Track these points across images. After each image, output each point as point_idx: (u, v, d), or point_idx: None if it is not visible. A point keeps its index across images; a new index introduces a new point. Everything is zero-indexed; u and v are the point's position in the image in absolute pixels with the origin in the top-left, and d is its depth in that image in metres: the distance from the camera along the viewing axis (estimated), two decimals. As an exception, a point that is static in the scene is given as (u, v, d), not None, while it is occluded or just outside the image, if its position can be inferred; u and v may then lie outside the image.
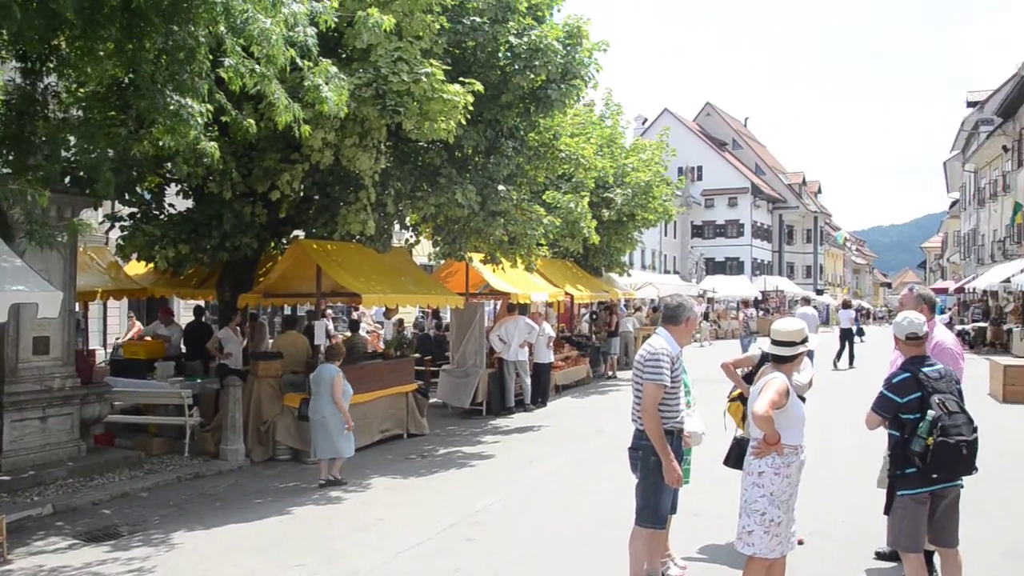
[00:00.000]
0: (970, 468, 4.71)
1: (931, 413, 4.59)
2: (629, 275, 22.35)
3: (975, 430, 4.70)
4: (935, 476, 4.65)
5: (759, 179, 69.97)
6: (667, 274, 47.84)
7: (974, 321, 31.22)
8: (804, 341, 4.83)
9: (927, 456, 4.57)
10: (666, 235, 55.39)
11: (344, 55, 8.91)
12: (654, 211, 19.51)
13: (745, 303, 27.91)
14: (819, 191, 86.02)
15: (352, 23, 7.86)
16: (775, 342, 4.88)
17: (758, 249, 67.78)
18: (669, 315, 5.15)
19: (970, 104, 47.55)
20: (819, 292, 68.79)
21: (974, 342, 28.00)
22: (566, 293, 17.05)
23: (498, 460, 10.31)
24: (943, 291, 46.82)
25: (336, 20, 7.47)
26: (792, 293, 49.42)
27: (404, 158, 11.00)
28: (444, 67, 8.87)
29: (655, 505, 5.03)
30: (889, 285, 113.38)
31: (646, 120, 64.44)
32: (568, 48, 11.16)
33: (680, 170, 53.34)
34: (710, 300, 41.10)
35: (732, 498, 7.20)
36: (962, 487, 4.87)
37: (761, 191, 68.11)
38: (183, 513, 7.86)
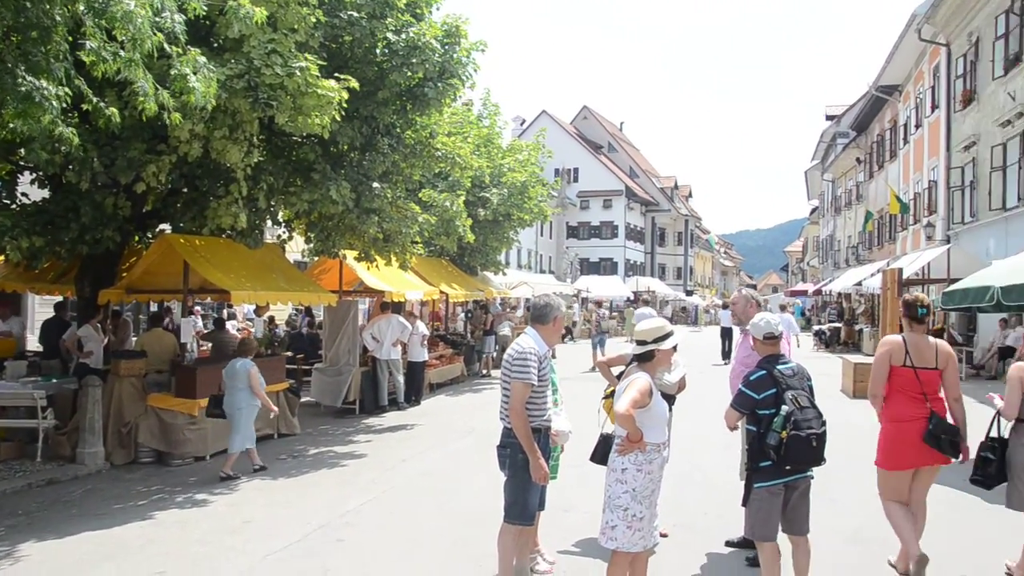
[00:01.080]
0: (819, 459, 5.02)
1: (785, 408, 4.87)
2: (504, 274, 22.55)
3: (824, 423, 5.03)
4: (788, 468, 4.92)
5: (633, 182, 71.81)
6: (543, 274, 48.54)
7: (830, 321, 32.97)
8: (658, 340, 4.94)
9: (781, 449, 4.83)
10: (542, 235, 56.12)
11: (216, 44, 8.63)
12: (529, 211, 19.76)
13: (597, 303, 28.49)
14: (690, 195, 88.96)
15: (224, 12, 7.62)
16: (637, 342, 5.02)
17: (631, 250, 69.55)
18: (537, 315, 5.23)
19: (828, 118, 50.22)
20: (689, 293, 71.27)
21: (829, 341, 29.58)
22: (441, 292, 17.04)
23: (371, 459, 10.22)
24: (803, 293, 49.30)
25: (206, 8, 7.23)
26: (663, 294, 50.93)
27: (278, 152, 10.76)
28: (320, 62, 8.70)
29: (523, 502, 5.11)
30: (755, 287, 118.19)
31: (524, 121, 65.15)
32: (446, 47, 11.15)
33: (557, 171, 54.13)
34: (584, 300, 41.92)
35: (601, 494, 7.42)
36: (812, 478, 5.18)
37: (635, 194, 69.93)
38: (33, 522, 7.43)
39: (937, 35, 25.89)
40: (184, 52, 6.81)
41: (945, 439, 5.58)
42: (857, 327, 28.32)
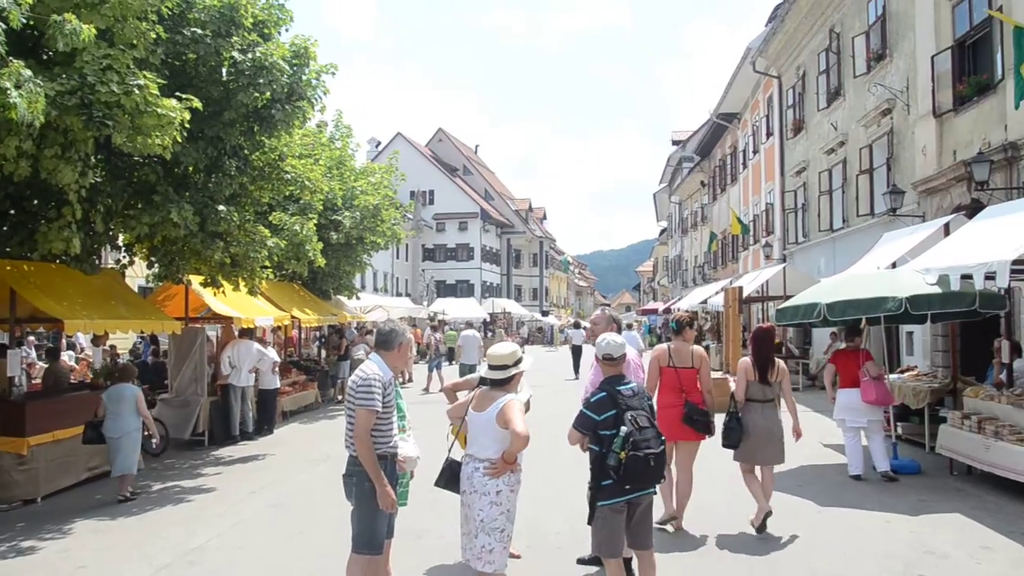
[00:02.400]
0: (658, 478, 5.18)
1: (624, 429, 4.97)
2: (358, 298, 22.23)
3: (663, 443, 5.17)
4: (628, 487, 5.01)
5: (489, 204, 72.51)
6: (399, 296, 48.16)
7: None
8: (518, 363, 5.10)
9: (620, 469, 4.93)
10: (398, 258, 55.77)
11: (45, 57, 8.15)
12: (383, 234, 19.57)
13: (434, 327, 28.48)
14: (544, 217, 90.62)
15: (47, 27, 7.19)
16: (492, 366, 5.10)
17: (487, 272, 70.10)
18: (382, 340, 5.19)
19: (675, 142, 52.38)
20: (545, 313, 72.31)
21: (677, 359, 30.62)
22: (293, 317, 16.62)
23: (219, 492, 9.81)
24: (653, 311, 50.93)
25: (23, 20, 6.78)
26: (519, 315, 51.49)
27: (117, 173, 10.21)
28: (160, 80, 8.33)
29: (370, 531, 5.02)
30: (609, 306, 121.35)
31: (379, 143, 64.76)
32: (295, 68, 10.94)
33: (412, 194, 54.03)
34: (441, 322, 41.87)
35: (453, 518, 7.39)
36: (655, 494, 5.32)
37: (490, 216, 70.60)
38: None
39: (769, 68, 27.53)
40: (5, 64, 6.38)
41: (698, 420, 7.23)
42: (704, 343, 29.46)
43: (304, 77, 11.07)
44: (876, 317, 10.31)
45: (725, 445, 7.68)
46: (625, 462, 4.90)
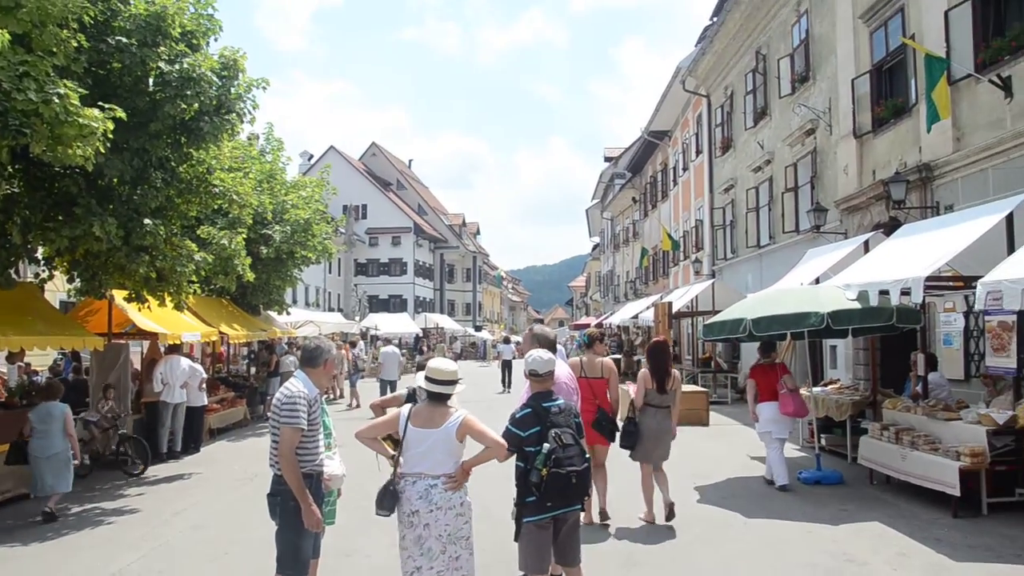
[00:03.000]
0: (581, 496, 5.18)
1: (546, 446, 4.96)
2: (289, 313, 21.92)
3: (587, 460, 5.18)
4: (550, 504, 5.01)
5: (422, 219, 72.34)
6: (331, 312, 47.59)
7: (611, 353, 34.44)
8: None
9: (542, 485, 4.93)
10: (330, 272, 55.20)
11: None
12: (314, 249, 19.35)
13: (351, 343, 28.22)
14: (478, 232, 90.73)
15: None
16: (437, 381, 4.96)
17: (420, 287, 69.85)
18: (307, 357, 5.14)
19: (607, 159, 52.98)
20: (478, 328, 72.26)
21: (608, 373, 30.88)
22: (221, 332, 16.31)
23: (142, 514, 9.53)
24: (586, 326, 51.23)
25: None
26: (451, 330, 51.39)
27: (36, 184, 9.87)
28: (82, 89, 8.13)
29: (295, 551, 4.94)
30: (542, 321, 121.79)
31: (312, 157, 64.15)
32: (224, 80, 10.77)
33: (345, 208, 53.60)
34: (375, 338, 41.57)
35: (382, 535, 7.34)
36: (582, 510, 5.34)
37: (424, 231, 70.44)
38: None
39: (699, 87, 28.10)
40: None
41: (606, 426, 7.77)
42: (636, 358, 29.77)
43: (233, 90, 10.89)
44: (800, 332, 10.56)
45: (623, 446, 8.33)
46: (547, 479, 4.90)
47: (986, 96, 11.90)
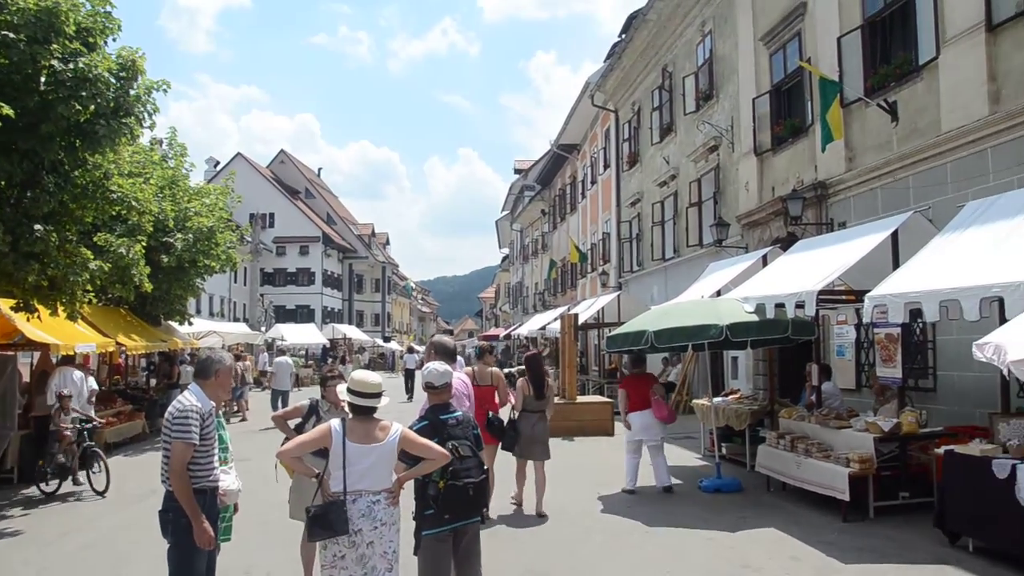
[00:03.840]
0: (479, 508, 5.20)
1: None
2: (191, 323, 21.29)
3: (484, 472, 5.19)
4: (447, 516, 4.98)
5: (331, 229, 71.42)
6: (236, 322, 46.47)
7: (519, 365, 34.57)
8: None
9: (439, 498, 4.92)
10: (236, 282, 53.92)
11: None
12: (217, 258, 18.83)
13: (238, 356, 27.59)
14: (387, 242, 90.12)
15: None
16: (362, 394, 4.83)
17: (329, 297, 68.90)
18: (199, 369, 4.99)
19: (517, 171, 53.32)
20: (387, 339, 71.64)
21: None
22: (118, 343, 15.74)
23: (26, 536, 9.04)
24: (495, 337, 51.42)
25: None
26: (360, 340, 50.80)
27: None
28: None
29: (187, 570, 4.76)
30: (451, 332, 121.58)
31: (218, 163, 62.60)
32: (122, 82, 10.39)
33: (252, 216, 52.47)
34: (279, 350, 40.76)
35: (281, 551, 7.21)
36: (481, 522, 5.34)
37: (332, 240, 69.55)
38: None
39: (607, 102, 28.61)
40: None
41: (497, 427, 8.54)
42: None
43: (132, 92, 10.52)
44: (700, 343, 10.83)
45: (504, 447, 9.03)
46: (444, 491, 4.89)
47: (875, 119, 12.48)
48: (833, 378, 11.88)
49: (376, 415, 4.86)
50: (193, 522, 4.66)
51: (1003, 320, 6.67)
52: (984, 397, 9.51)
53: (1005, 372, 5.83)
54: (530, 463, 9.45)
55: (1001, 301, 6.83)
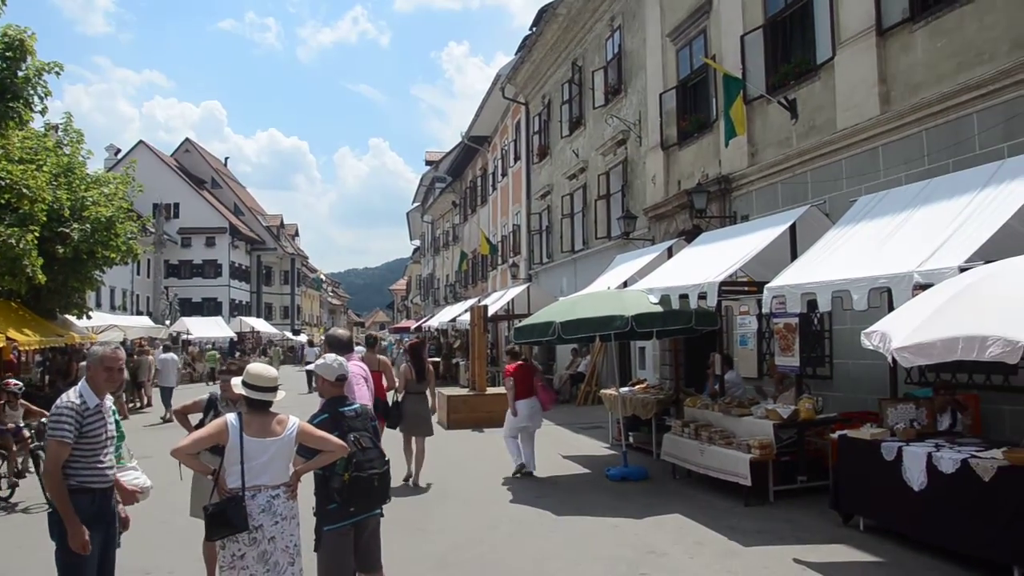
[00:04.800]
0: (383, 499, 5.15)
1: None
2: (89, 317, 20.50)
3: (386, 463, 5.15)
4: (353, 509, 4.92)
5: (238, 220, 69.76)
6: (139, 315, 45.02)
7: (430, 357, 34.45)
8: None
9: (344, 491, 4.84)
10: (139, 274, 52.23)
11: None
12: (117, 249, 18.16)
13: (141, 351, 26.82)
14: (297, 234, 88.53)
15: None
16: (258, 387, 4.72)
17: (236, 290, 67.36)
18: (85, 365, 4.78)
19: (428, 163, 53.04)
20: (296, 332, 70.43)
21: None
22: (9, 338, 15.07)
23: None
24: (406, 329, 51.13)
25: None
26: (269, 333, 49.91)
27: None
28: None
29: (73, 571, 4.55)
30: (363, 324, 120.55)
31: (119, 151, 60.42)
32: (8, 63, 9.93)
33: (156, 206, 50.85)
34: (185, 343, 39.76)
35: (183, 550, 7.04)
36: (382, 515, 5.29)
37: (240, 232, 67.96)
38: None
39: (518, 95, 28.70)
40: None
41: (382, 409, 8.70)
42: (454, 361, 30.00)
43: (21, 74, 10.07)
44: (607, 334, 10.99)
45: (389, 425, 9.33)
46: (349, 483, 4.83)
47: (776, 116, 12.86)
48: (736, 367, 12.22)
49: (275, 408, 4.79)
50: (67, 524, 4.44)
51: (891, 309, 6.97)
52: (875, 383, 9.92)
53: (890, 359, 6.10)
54: (414, 439, 10.60)
55: (889, 291, 7.15)
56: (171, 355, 21.96)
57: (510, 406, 11.26)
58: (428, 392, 10.83)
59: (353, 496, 4.87)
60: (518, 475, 10.99)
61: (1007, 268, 5.68)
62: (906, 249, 7.29)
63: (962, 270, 6.26)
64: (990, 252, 6.47)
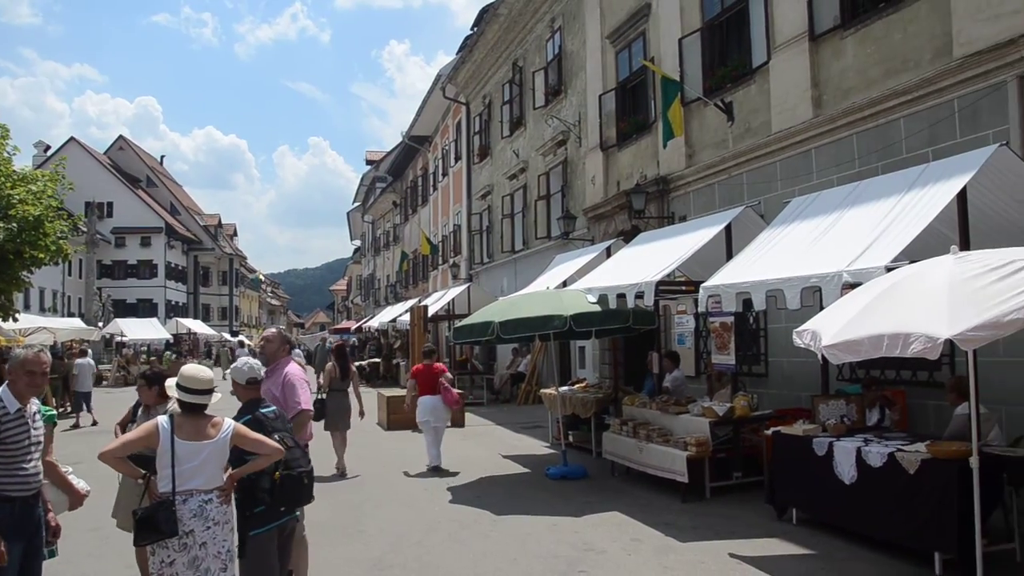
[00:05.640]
0: (309, 498, 5.13)
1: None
2: (16, 319, 19.89)
3: (310, 461, 5.16)
4: (283, 508, 4.89)
5: (174, 219, 68.49)
6: (71, 317, 43.85)
7: (370, 357, 34.20)
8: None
9: (275, 490, 4.79)
10: (70, 275, 50.93)
11: None
12: (46, 249, 17.66)
13: (81, 353, 26.16)
14: (235, 234, 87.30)
15: None
16: (191, 390, 4.61)
17: (173, 291, 66.13)
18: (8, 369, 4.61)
19: (369, 162, 52.66)
20: (234, 334, 69.35)
21: (370, 376, 30.71)
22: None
23: None
24: (346, 330, 50.68)
25: None
26: (206, 335, 49.06)
27: None
28: None
29: None
30: (303, 325, 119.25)
31: (49, 148, 58.75)
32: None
33: (88, 205, 49.60)
34: (120, 345, 38.86)
35: (116, 559, 6.90)
36: (298, 519, 5.25)
37: (176, 231, 66.74)
38: None
39: (459, 95, 28.68)
40: None
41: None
42: (395, 361, 29.83)
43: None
44: (546, 334, 11.06)
45: (314, 419, 9.37)
46: (280, 482, 4.78)
47: (713, 118, 13.08)
48: (681, 366, 12.34)
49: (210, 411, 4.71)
50: None
51: (823, 308, 7.13)
52: (809, 381, 10.14)
53: (820, 356, 6.25)
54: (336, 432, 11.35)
55: (821, 290, 7.32)
56: (87, 360, 21.35)
57: (407, 403, 12.33)
58: (352, 390, 11.68)
59: (284, 495, 4.84)
60: (428, 470, 11.43)
61: (930, 268, 5.86)
62: (836, 249, 7.48)
63: (888, 270, 6.45)
64: (914, 252, 6.67)
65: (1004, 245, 6.34)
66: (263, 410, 5.10)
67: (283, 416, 5.23)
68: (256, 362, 5.35)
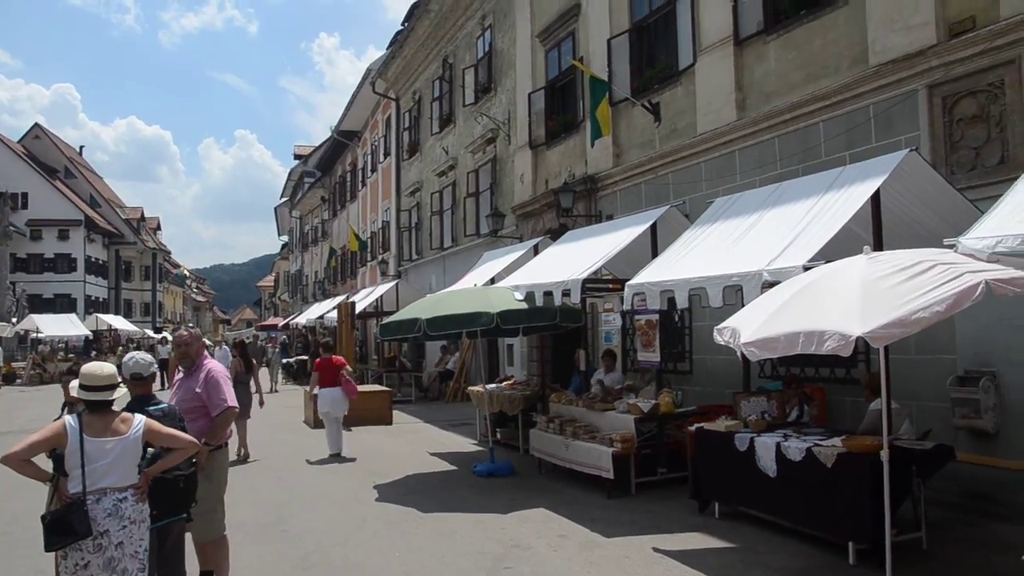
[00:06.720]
0: (188, 503, 4.98)
1: (151, 450, 4.62)
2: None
3: (192, 465, 4.98)
4: (156, 513, 4.66)
5: (95, 212, 66.41)
6: (-18, 313, 42.22)
7: (298, 355, 33.77)
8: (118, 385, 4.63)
9: (149, 493, 4.61)
10: (-18, 269, 49.01)
11: None
12: (-44, 242, 17.07)
13: None
14: (159, 228, 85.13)
15: None
16: (92, 388, 4.47)
17: (93, 286, 64.14)
18: None
19: (297, 157, 51.92)
20: (158, 330, 67.66)
21: (297, 374, 30.30)
22: None
23: None
24: (273, 327, 49.88)
25: None
26: (128, 331, 47.79)
27: None
28: None
29: None
30: (229, 322, 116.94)
31: (-45, 136, 56.45)
32: None
33: (1, 196, 47.86)
34: (35, 342, 37.58)
35: (25, 560, 6.68)
36: (186, 520, 5.11)
37: (96, 224, 64.74)
38: None
39: (389, 90, 28.49)
40: None
41: None
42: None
43: None
44: (473, 331, 11.06)
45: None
46: (153, 486, 4.59)
47: (640, 119, 13.25)
48: (618, 365, 12.44)
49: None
50: None
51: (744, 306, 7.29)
52: (731, 378, 10.36)
53: (739, 354, 6.39)
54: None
55: (742, 289, 7.49)
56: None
57: (309, 394, 13.49)
58: (253, 382, 12.78)
59: (156, 499, 4.63)
60: (329, 457, 12.36)
61: (844, 267, 6.04)
62: (757, 248, 7.66)
63: (806, 269, 6.63)
64: (830, 252, 6.87)
65: (914, 246, 6.58)
66: (152, 407, 4.94)
67: (173, 414, 5.05)
68: (146, 357, 5.17)
